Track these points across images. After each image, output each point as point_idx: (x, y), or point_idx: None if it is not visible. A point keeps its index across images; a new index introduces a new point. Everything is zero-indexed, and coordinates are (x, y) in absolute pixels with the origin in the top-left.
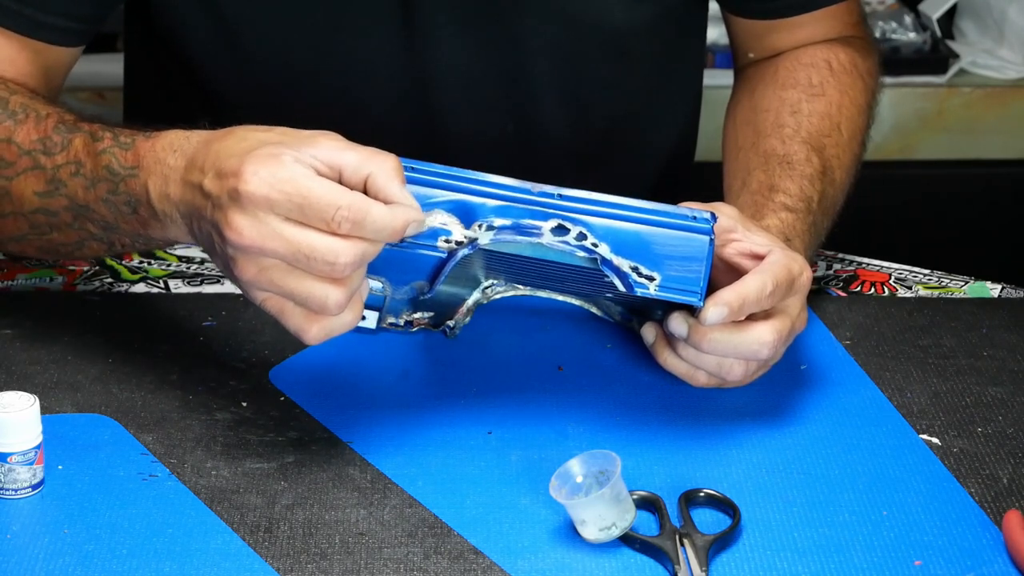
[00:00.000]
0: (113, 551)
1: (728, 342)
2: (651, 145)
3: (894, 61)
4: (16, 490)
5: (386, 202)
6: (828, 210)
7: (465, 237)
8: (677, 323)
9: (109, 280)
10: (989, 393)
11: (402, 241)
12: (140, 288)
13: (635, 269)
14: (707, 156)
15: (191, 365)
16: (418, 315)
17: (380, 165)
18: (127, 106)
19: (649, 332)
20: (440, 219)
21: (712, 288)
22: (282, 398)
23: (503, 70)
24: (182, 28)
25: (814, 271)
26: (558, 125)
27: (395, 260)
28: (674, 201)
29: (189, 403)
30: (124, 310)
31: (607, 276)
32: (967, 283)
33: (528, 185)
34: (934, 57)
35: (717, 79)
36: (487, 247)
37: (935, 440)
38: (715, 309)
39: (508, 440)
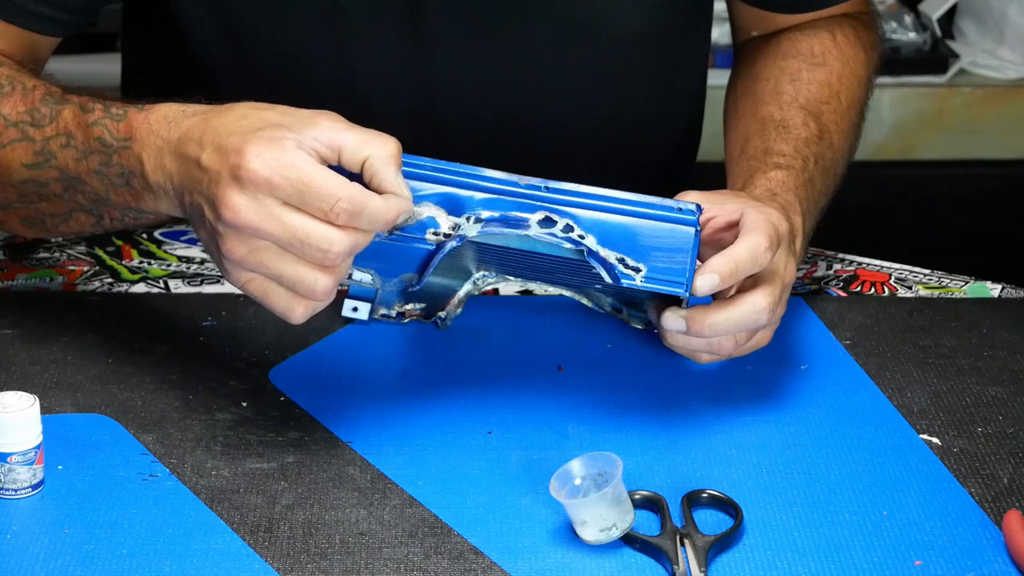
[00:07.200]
0: (113, 551)
1: (727, 322)
2: (655, 147)
3: (894, 61)
4: (16, 490)
5: (380, 188)
6: (828, 170)
7: (453, 229)
8: (672, 320)
9: (109, 280)
10: (989, 393)
11: (391, 233)
12: (140, 288)
13: (621, 260)
14: (708, 156)
15: (191, 365)
16: (410, 306)
17: (379, 149)
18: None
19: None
20: (428, 211)
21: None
22: (282, 398)
23: (510, 77)
24: (186, 30)
25: (814, 271)
26: (564, 130)
27: (384, 252)
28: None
29: (189, 403)
30: (124, 310)
31: (594, 267)
32: (967, 283)
33: (515, 177)
34: (934, 57)
35: (718, 79)
36: (475, 239)
37: (935, 440)
38: (703, 278)
39: (508, 440)
